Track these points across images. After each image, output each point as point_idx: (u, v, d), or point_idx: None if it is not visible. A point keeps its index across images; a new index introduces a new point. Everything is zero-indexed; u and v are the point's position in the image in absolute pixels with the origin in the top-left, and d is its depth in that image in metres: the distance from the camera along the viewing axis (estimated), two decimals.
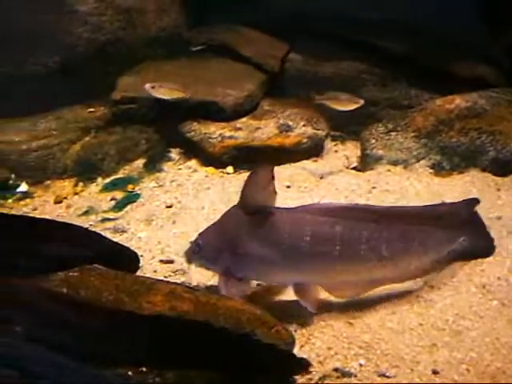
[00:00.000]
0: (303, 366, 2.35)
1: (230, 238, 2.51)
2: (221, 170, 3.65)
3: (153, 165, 3.72)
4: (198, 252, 2.58)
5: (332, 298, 2.61)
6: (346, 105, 3.50)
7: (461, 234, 2.77)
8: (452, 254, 2.77)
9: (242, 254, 2.49)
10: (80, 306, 2.26)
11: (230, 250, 2.50)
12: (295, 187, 3.41)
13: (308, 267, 2.48)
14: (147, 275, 2.74)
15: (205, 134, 3.74)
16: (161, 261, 2.94)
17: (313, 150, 3.76)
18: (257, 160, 3.62)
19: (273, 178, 2.48)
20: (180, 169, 3.68)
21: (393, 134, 3.69)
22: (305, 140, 3.75)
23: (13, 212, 3.44)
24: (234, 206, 2.55)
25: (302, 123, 3.83)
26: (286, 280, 2.55)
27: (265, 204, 2.47)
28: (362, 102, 3.48)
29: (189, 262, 2.64)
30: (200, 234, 2.62)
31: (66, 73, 4.20)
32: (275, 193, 2.48)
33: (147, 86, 3.56)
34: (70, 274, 2.38)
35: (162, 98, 3.58)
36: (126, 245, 2.57)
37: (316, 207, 2.58)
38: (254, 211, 2.46)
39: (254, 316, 2.27)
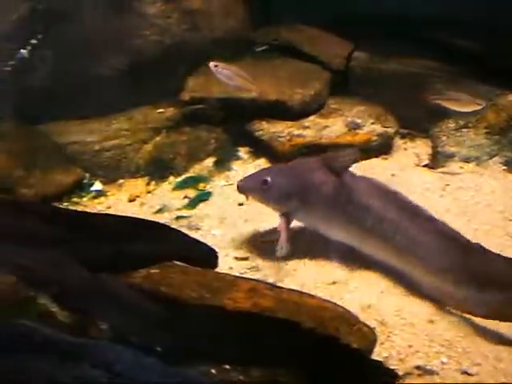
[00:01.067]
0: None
1: (303, 185, 2.75)
2: None
3: (222, 163, 3.77)
4: (264, 189, 2.79)
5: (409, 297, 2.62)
6: (467, 106, 3.37)
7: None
8: None
9: (311, 203, 2.75)
10: (163, 302, 2.32)
11: (299, 197, 2.74)
12: None
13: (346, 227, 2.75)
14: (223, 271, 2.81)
15: (273, 132, 3.77)
16: (235, 258, 2.98)
17: (382, 147, 3.74)
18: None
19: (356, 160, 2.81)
20: (249, 167, 3.72)
21: (464, 130, 3.64)
22: (374, 138, 3.74)
23: (88, 210, 3.55)
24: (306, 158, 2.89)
25: (371, 121, 3.82)
26: (340, 238, 2.79)
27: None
28: (484, 103, 3.35)
29: (246, 194, 2.90)
30: (266, 172, 2.88)
31: (135, 74, 4.29)
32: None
33: (211, 64, 3.55)
34: (152, 271, 2.44)
35: (225, 81, 3.53)
36: (204, 242, 2.62)
37: (376, 181, 2.80)
38: (333, 168, 2.73)
39: (337, 313, 2.27)
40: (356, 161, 2.84)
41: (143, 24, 4.26)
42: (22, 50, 4.11)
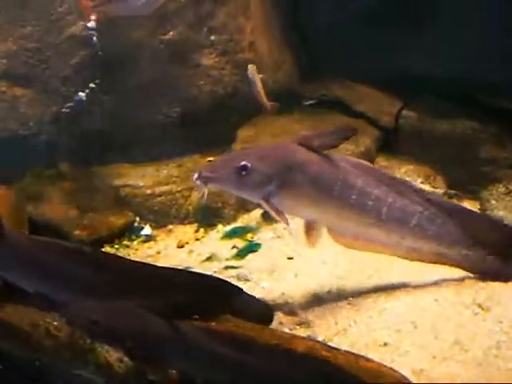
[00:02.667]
0: None
1: (282, 166, 2.58)
2: None
3: (270, 215, 3.81)
4: (242, 175, 2.54)
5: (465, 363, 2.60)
6: None
7: (488, 252, 2.85)
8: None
9: (289, 184, 2.60)
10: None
11: (281, 180, 2.57)
12: None
13: (330, 208, 2.71)
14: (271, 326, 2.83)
15: None
16: (285, 313, 2.99)
17: None
18: None
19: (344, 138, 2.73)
20: (296, 221, 3.76)
21: None
22: None
23: (138, 253, 3.63)
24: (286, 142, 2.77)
25: (420, 180, 3.87)
26: (311, 216, 2.75)
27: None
28: None
29: (213, 184, 2.61)
30: (239, 157, 2.61)
31: (187, 123, 4.42)
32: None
33: (250, 66, 3.83)
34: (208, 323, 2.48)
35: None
36: (260, 298, 2.64)
37: (352, 160, 2.79)
38: (314, 149, 2.64)
39: (394, 379, 2.28)
40: (342, 141, 2.75)
41: (198, 74, 4.41)
42: (80, 93, 4.27)
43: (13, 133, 4.25)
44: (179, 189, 3.96)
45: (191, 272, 2.80)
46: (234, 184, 2.59)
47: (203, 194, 2.63)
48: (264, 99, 3.84)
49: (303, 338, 2.44)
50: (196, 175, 2.58)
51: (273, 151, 2.66)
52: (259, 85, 3.85)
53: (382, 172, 2.76)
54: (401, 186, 2.71)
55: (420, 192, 2.78)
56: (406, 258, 2.98)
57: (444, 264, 2.97)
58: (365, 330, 2.89)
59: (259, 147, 2.82)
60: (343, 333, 2.90)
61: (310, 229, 2.78)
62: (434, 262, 2.95)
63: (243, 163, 2.53)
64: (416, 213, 2.69)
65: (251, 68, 3.84)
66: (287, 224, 2.71)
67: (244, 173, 2.53)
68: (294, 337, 2.42)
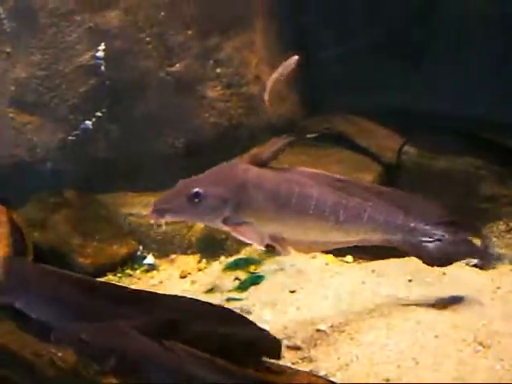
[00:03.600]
0: None
1: (236, 187, 2.58)
2: (340, 258, 3.74)
3: (273, 248, 3.85)
4: (195, 203, 2.52)
5: None
6: None
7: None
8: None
9: (246, 203, 2.59)
10: None
11: (237, 200, 2.56)
12: (417, 281, 3.44)
13: (290, 221, 2.73)
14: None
15: None
16: (288, 347, 3.00)
17: None
18: (376, 250, 3.70)
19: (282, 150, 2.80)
20: (299, 254, 3.78)
21: None
22: None
23: (141, 282, 3.64)
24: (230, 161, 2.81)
25: None
26: (270, 229, 2.74)
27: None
28: None
29: (168, 216, 2.60)
30: (189, 185, 2.59)
31: (191, 153, 4.47)
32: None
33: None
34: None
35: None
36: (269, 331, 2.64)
37: (301, 170, 2.84)
38: (261, 165, 2.69)
39: None
40: (282, 151, 2.81)
41: (204, 106, 4.47)
42: (86, 122, 4.32)
43: (20, 159, 4.29)
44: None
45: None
46: (189, 213, 2.58)
47: (160, 224, 2.69)
48: (267, 96, 3.76)
49: (307, 373, 2.46)
50: (150, 208, 2.62)
51: (224, 174, 2.67)
52: (273, 81, 3.74)
53: (333, 177, 2.84)
54: (352, 186, 2.83)
55: (369, 188, 2.94)
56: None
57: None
58: (367, 365, 2.91)
59: (210, 171, 2.70)
60: (346, 368, 2.91)
61: (276, 240, 2.82)
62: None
63: (195, 190, 2.53)
64: (367, 208, 2.83)
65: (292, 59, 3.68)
66: (255, 242, 2.69)
67: (197, 200, 2.52)
68: (299, 372, 2.43)
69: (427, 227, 3.03)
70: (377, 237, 2.95)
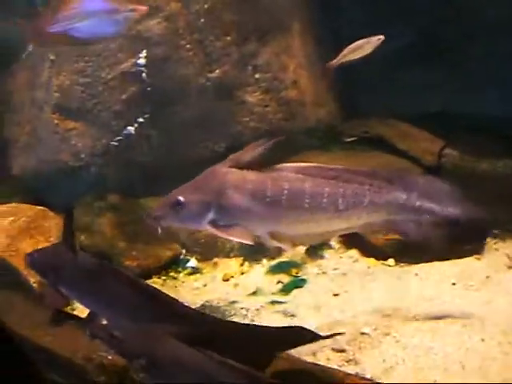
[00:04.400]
0: None
1: (216, 190, 2.61)
2: (382, 261, 3.75)
3: (314, 251, 3.87)
4: (178, 210, 2.59)
5: None
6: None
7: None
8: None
9: (228, 206, 2.61)
10: None
11: (219, 203, 2.59)
12: (461, 284, 3.46)
13: (284, 218, 2.70)
14: (321, 363, 2.87)
15: None
16: (333, 349, 3.03)
17: (475, 246, 3.79)
18: (418, 254, 3.72)
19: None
20: (341, 257, 3.83)
21: None
22: None
23: (185, 285, 3.70)
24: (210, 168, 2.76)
25: None
26: (264, 229, 2.73)
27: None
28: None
29: (161, 222, 2.66)
30: (175, 194, 2.65)
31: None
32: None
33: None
34: None
35: None
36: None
37: (289, 166, 2.80)
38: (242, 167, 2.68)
39: None
40: (263, 154, 2.78)
41: (243, 111, 4.52)
42: (128, 127, 4.40)
43: (64, 164, 4.39)
44: None
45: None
46: (175, 220, 2.65)
47: (158, 230, 2.72)
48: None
49: (356, 375, 2.48)
50: (145, 216, 2.75)
51: (204, 179, 2.71)
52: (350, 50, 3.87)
53: (324, 167, 2.81)
54: (346, 173, 2.80)
55: (365, 172, 2.88)
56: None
57: (396, 232, 3.10)
58: (413, 368, 2.92)
59: (196, 178, 2.76)
60: (391, 371, 2.92)
61: (275, 237, 2.79)
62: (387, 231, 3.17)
63: (176, 198, 2.62)
64: (366, 192, 2.79)
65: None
66: (243, 240, 2.69)
67: (179, 207, 2.60)
68: (348, 375, 2.45)
69: (434, 206, 2.94)
70: (381, 219, 2.88)
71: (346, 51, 3.90)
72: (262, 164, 2.76)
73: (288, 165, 2.79)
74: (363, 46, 3.83)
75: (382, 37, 3.84)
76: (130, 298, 2.49)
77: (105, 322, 2.64)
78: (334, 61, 3.94)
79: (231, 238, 2.70)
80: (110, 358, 2.60)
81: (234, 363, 2.30)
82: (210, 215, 2.60)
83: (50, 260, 2.76)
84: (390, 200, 2.84)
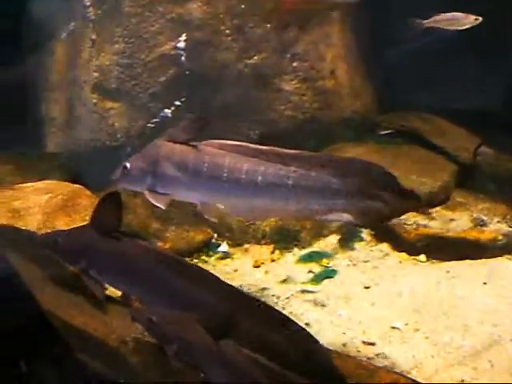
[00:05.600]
0: None
1: (152, 161, 2.88)
2: (413, 257, 3.74)
3: (345, 243, 3.89)
4: (125, 174, 2.92)
5: None
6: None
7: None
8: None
9: (159, 175, 2.87)
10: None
11: (151, 172, 2.87)
12: (492, 284, 3.44)
13: (205, 190, 2.87)
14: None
15: (399, 219, 3.87)
16: (363, 342, 3.05)
17: (507, 247, 3.77)
18: (450, 251, 3.72)
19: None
20: (372, 250, 3.83)
21: None
22: (500, 237, 3.76)
23: (216, 269, 3.73)
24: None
25: (496, 219, 3.86)
26: (193, 199, 2.95)
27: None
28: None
29: (116, 185, 2.98)
30: (129, 160, 2.93)
31: (265, 145, 4.53)
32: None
33: None
34: None
35: None
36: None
37: (215, 142, 2.93)
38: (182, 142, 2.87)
39: None
40: (197, 131, 2.95)
41: (279, 99, 4.52)
42: (165, 110, 4.43)
43: (101, 143, 4.44)
44: None
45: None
46: (124, 183, 2.99)
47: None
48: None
49: (388, 370, 2.50)
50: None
51: (147, 150, 2.97)
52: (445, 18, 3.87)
53: (250, 146, 2.91)
54: (270, 154, 2.86)
55: (292, 154, 2.91)
56: (296, 219, 3.35)
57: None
58: (442, 365, 2.93)
59: (144, 149, 3.04)
60: (420, 367, 2.94)
61: (205, 208, 2.96)
62: (324, 216, 3.00)
63: (124, 164, 2.96)
64: (290, 173, 2.81)
65: None
66: (163, 206, 2.90)
67: (126, 172, 2.94)
68: (379, 369, 2.48)
69: (368, 189, 2.88)
70: (317, 204, 2.85)
71: (440, 17, 3.81)
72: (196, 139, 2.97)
73: (215, 141, 2.95)
74: (460, 20, 3.73)
75: (480, 18, 3.74)
76: (171, 280, 2.52)
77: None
78: (427, 21, 3.86)
79: (152, 201, 2.93)
80: (144, 340, 2.62)
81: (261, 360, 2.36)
82: (148, 181, 2.91)
83: (79, 244, 2.74)
84: (319, 185, 2.83)
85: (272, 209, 2.91)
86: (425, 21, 3.92)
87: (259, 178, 2.83)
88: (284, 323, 2.46)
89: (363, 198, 2.84)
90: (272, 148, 2.89)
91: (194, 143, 2.93)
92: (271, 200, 2.86)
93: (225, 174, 2.84)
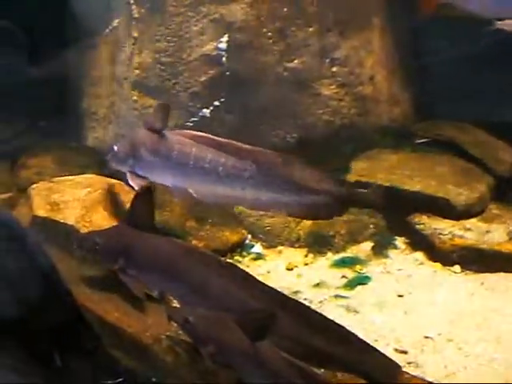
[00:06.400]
0: None
1: (132, 146, 3.36)
2: (448, 267, 3.73)
3: (379, 250, 3.90)
4: (113, 155, 3.43)
5: None
6: None
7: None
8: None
9: (137, 158, 3.33)
10: None
11: (131, 156, 3.34)
12: None
13: (175, 175, 3.27)
14: None
15: (435, 228, 3.86)
16: (395, 350, 3.06)
17: None
18: (485, 263, 3.71)
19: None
20: (406, 259, 3.83)
21: None
22: None
23: (249, 270, 3.74)
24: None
25: None
26: (165, 182, 3.35)
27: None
28: None
29: (108, 164, 3.51)
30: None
31: (301, 149, 4.55)
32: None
33: None
34: None
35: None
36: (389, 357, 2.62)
37: (186, 132, 3.39)
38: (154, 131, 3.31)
39: None
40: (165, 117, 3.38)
41: (317, 103, 4.53)
42: (204, 110, 4.48)
43: None
44: None
45: None
46: (113, 163, 3.48)
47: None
48: None
49: (423, 379, 2.50)
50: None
51: (130, 137, 3.55)
52: None
53: (215, 139, 3.27)
54: (230, 147, 3.22)
55: (249, 149, 3.25)
56: (252, 209, 3.69)
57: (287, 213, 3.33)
58: (474, 377, 2.93)
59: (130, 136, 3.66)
60: (452, 377, 2.95)
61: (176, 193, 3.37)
62: (277, 211, 3.37)
63: (112, 147, 3.49)
64: (246, 166, 3.15)
65: None
66: (136, 187, 3.31)
67: (114, 154, 3.43)
68: (414, 378, 2.48)
69: (313, 186, 3.15)
70: (269, 197, 3.16)
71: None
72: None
73: (185, 131, 3.40)
74: None
75: None
76: (211, 281, 2.54)
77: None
78: (500, 23, 3.82)
79: (129, 181, 3.39)
80: (179, 339, 2.62)
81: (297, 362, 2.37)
82: (130, 163, 3.35)
83: (117, 244, 2.80)
84: (269, 180, 3.14)
85: (231, 196, 3.26)
86: (499, 22, 3.86)
87: (220, 168, 3.19)
88: (327, 327, 2.48)
89: (312, 193, 3.14)
90: (231, 142, 3.28)
91: (168, 132, 3.37)
92: (230, 188, 3.22)
93: (191, 162, 3.23)
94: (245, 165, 3.16)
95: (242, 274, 2.66)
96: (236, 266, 2.80)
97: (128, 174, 3.42)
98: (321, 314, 2.67)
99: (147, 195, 2.98)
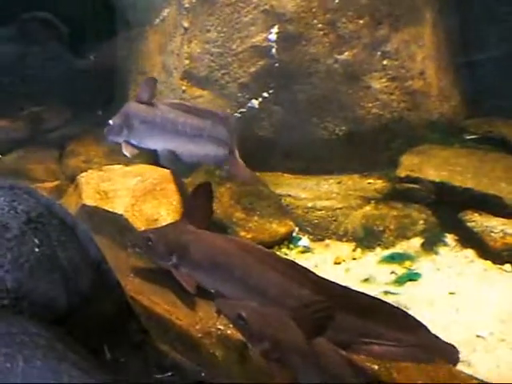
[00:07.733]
0: None
1: (125, 117, 3.84)
2: (498, 265, 3.67)
3: (429, 246, 3.85)
4: (110, 129, 3.87)
5: None
6: None
7: None
8: None
9: (129, 127, 3.82)
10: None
11: (128, 127, 3.82)
12: None
13: (159, 137, 3.87)
14: None
15: (486, 226, 3.79)
16: None
17: None
18: None
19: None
20: (456, 256, 3.79)
21: None
22: None
23: None
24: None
25: None
26: (154, 146, 3.95)
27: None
28: None
29: (106, 138, 3.95)
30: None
31: (350, 143, 4.53)
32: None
33: None
34: None
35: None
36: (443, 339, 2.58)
37: (167, 102, 4.07)
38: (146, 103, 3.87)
39: None
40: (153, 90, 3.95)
41: (367, 96, 4.49)
42: (253, 101, 4.48)
43: None
44: (340, 206, 4.06)
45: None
46: (110, 135, 3.90)
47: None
48: None
49: (479, 380, 2.47)
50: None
51: (123, 110, 3.94)
52: None
53: (189, 105, 4.02)
54: (197, 110, 3.91)
55: (210, 112, 3.99)
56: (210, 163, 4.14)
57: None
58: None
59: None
60: (503, 377, 2.90)
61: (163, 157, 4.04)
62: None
63: (108, 121, 3.90)
64: (206, 126, 3.81)
65: None
66: (129, 155, 3.89)
67: (110, 127, 3.86)
68: (471, 378, 2.45)
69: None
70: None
71: None
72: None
73: (167, 100, 4.08)
74: None
75: None
76: (267, 277, 2.49)
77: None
78: None
79: (123, 150, 3.84)
80: (229, 333, 2.55)
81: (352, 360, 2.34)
82: (125, 133, 3.80)
83: (170, 241, 2.75)
84: (217, 135, 3.85)
85: (197, 153, 3.84)
86: None
87: (188, 128, 3.81)
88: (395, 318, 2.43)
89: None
90: (197, 106, 4.06)
91: (153, 102, 3.88)
92: (196, 145, 3.81)
93: (169, 125, 3.80)
94: (205, 124, 3.81)
95: (302, 271, 2.51)
96: (295, 263, 2.63)
97: (123, 144, 3.82)
98: (389, 304, 2.58)
99: (206, 189, 2.93)
